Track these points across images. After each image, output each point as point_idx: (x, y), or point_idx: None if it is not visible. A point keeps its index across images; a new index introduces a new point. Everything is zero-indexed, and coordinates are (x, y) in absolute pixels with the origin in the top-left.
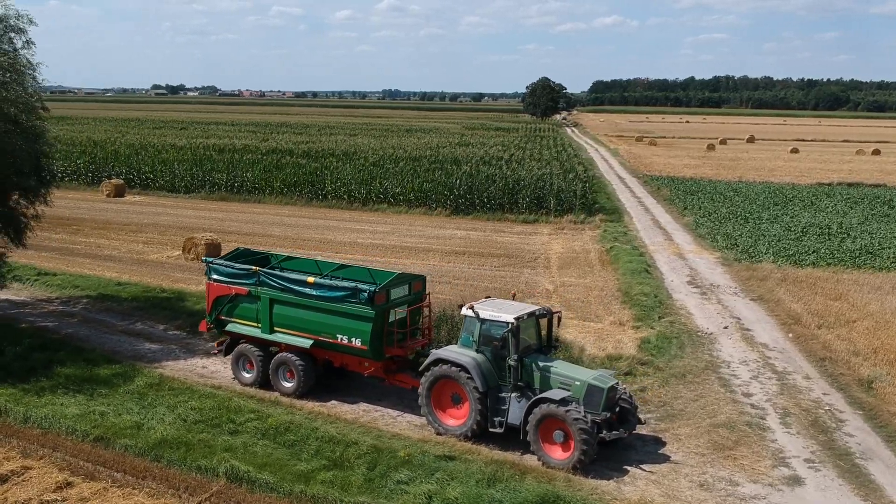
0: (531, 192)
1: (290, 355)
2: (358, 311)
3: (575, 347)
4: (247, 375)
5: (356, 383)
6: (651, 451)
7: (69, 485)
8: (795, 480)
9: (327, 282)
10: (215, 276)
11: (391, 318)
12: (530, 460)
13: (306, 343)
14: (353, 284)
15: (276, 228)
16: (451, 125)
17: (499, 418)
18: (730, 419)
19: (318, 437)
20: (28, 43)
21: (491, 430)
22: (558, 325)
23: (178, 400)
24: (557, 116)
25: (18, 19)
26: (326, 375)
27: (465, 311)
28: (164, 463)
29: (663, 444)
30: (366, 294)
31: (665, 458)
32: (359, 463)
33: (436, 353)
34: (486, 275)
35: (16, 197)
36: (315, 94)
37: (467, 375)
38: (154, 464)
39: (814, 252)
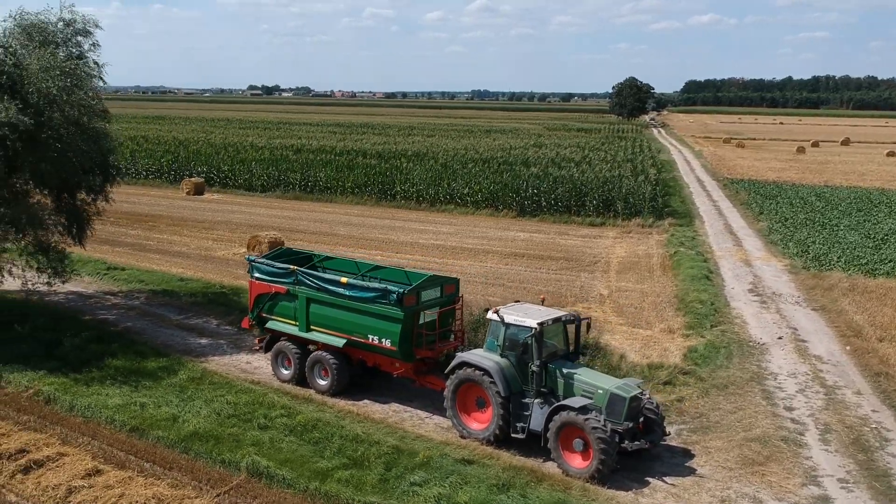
0: (598, 195)
1: (324, 354)
2: (388, 312)
3: (615, 354)
4: (285, 372)
5: (390, 383)
6: (677, 463)
7: (98, 472)
8: (824, 500)
9: (359, 282)
10: (257, 275)
11: (422, 320)
12: (550, 468)
13: (340, 342)
14: (383, 286)
15: (342, 228)
16: (533, 126)
17: (521, 424)
18: (765, 433)
19: (342, 435)
20: (94, 45)
21: (513, 435)
22: (587, 332)
23: (216, 394)
24: (645, 117)
25: (85, 23)
26: (361, 375)
27: (490, 314)
28: (191, 455)
29: (691, 456)
30: (395, 295)
31: (690, 471)
32: (377, 463)
33: (460, 356)
34: (542, 278)
35: (82, 196)
36: (405, 95)
37: (490, 380)
38: (182, 455)
39: (891, 261)
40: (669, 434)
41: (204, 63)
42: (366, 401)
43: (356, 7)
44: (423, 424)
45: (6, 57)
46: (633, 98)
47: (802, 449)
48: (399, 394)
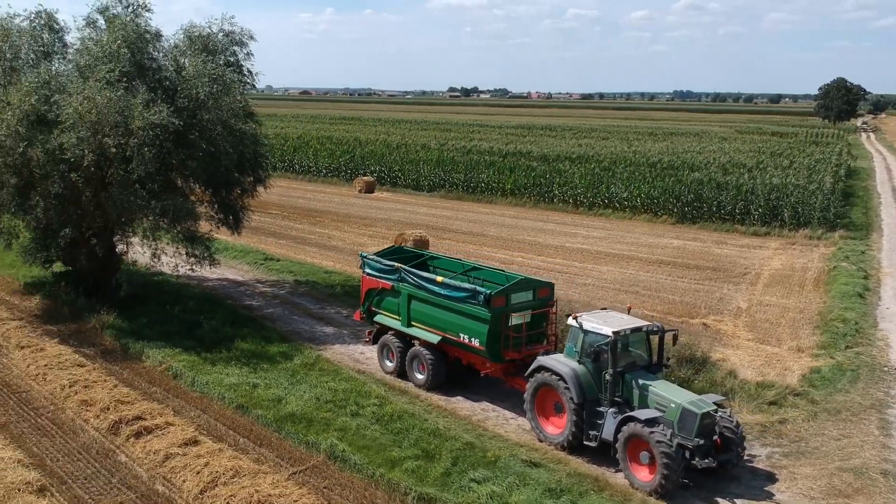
0: (764, 203)
1: (422, 349)
2: (476, 312)
3: (724, 370)
4: (389, 364)
5: (485, 383)
6: (757, 486)
7: (195, 442)
8: None
9: (452, 282)
10: (368, 271)
11: (512, 322)
12: (617, 478)
13: (435, 339)
14: (472, 286)
15: (493, 229)
16: (723, 129)
17: (594, 432)
18: (864, 464)
19: (423, 428)
20: (248, 55)
21: (585, 442)
22: (673, 344)
23: (322, 380)
24: (855, 121)
25: (241, 34)
26: (459, 372)
27: (570, 321)
28: (282, 434)
29: (775, 481)
30: (482, 296)
31: (767, 496)
32: (446, 457)
33: (540, 360)
34: (680, 287)
35: (237, 192)
36: (602, 96)
37: (565, 385)
38: (274, 434)
39: None
40: (744, 456)
41: (409, 66)
42: (459, 397)
43: (559, 8)
44: (506, 425)
45: (171, 66)
46: (841, 100)
47: None
48: (491, 393)
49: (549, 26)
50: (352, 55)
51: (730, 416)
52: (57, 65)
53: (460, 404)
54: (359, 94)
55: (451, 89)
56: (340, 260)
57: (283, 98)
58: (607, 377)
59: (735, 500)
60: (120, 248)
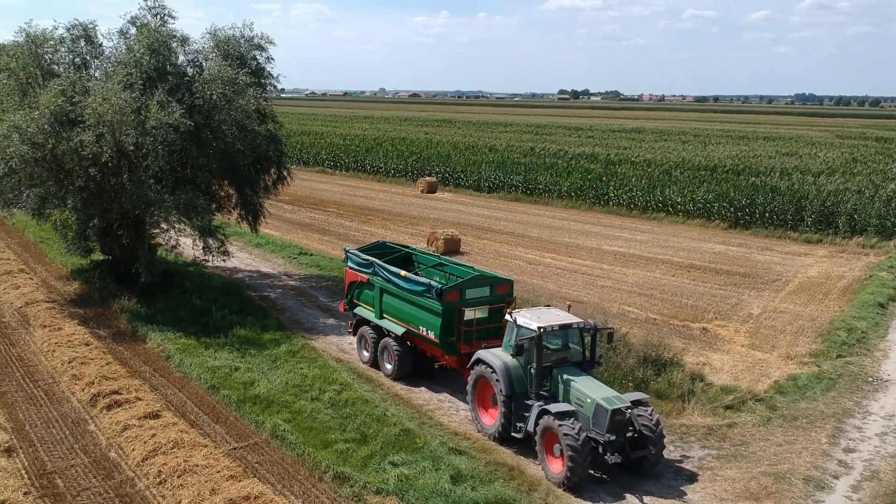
0: (819, 209)
1: (390, 340)
2: (431, 305)
3: (689, 373)
4: (365, 354)
5: (451, 375)
6: (674, 485)
7: (156, 416)
8: None
9: (413, 276)
10: (350, 264)
11: (469, 317)
12: (536, 470)
13: (400, 330)
14: (427, 281)
15: (536, 230)
16: (822, 134)
17: (521, 424)
18: (791, 470)
19: (371, 413)
20: (268, 59)
21: (513, 434)
22: (609, 342)
23: (297, 367)
24: None
25: (261, 39)
26: (427, 364)
27: (507, 316)
28: (240, 413)
29: (694, 481)
30: (435, 291)
31: (678, 495)
32: (378, 441)
33: (478, 353)
34: (698, 291)
35: (257, 189)
36: (716, 99)
37: (496, 378)
38: (233, 413)
39: None
40: (661, 454)
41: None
42: (422, 388)
43: (676, 9)
44: (455, 415)
45: (190, 69)
46: None
47: (821, 492)
48: (454, 385)
49: (664, 27)
50: (464, 58)
51: (650, 415)
52: (92, 71)
53: (420, 394)
54: (467, 97)
55: (562, 92)
56: None
57: (392, 101)
58: (531, 370)
59: (644, 497)
60: (154, 239)
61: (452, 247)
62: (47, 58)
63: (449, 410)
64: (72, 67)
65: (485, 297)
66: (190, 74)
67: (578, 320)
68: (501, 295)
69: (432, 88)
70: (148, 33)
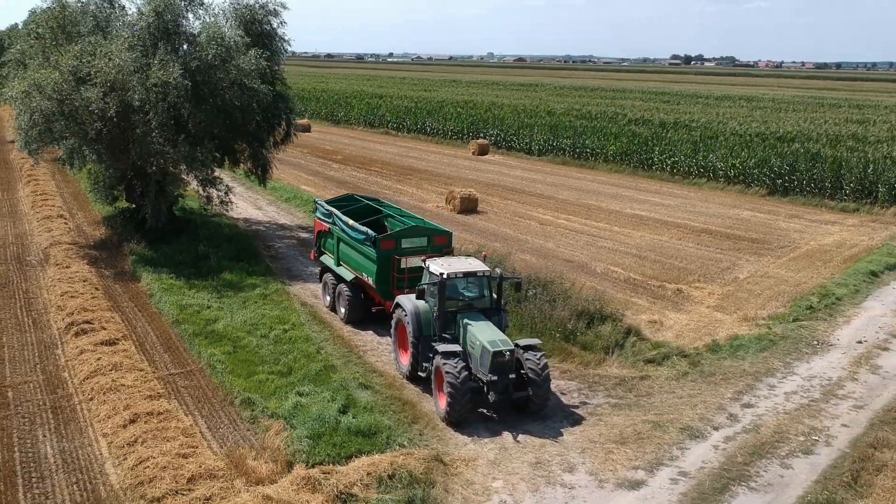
0: (857, 177)
1: (343, 286)
2: (369, 253)
3: (627, 326)
4: (327, 299)
5: None
6: (556, 426)
7: (113, 343)
8: (635, 485)
9: (358, 226)
10: (318, 214)
11: (405, 265)
12: (433, 406)
13: (350, 276)
14: (366, 230)
15: (565, 192)
16: None
17: (426, 364)
18: (674, 419)
19: (303, 350)
20: (281, 23)
21: (419, 373)
22: (516, 291)
23: (261, 308)
24: None
25: (275, 5)
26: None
27: (422, 262)
28: (189, 345)
29: (578, 424)
30: (371, 239)
31: (554, 435)
32: (297, 374)
33: (398, 297)
34: (694, 254)
35: (270, 143)
36: (839, 66)
37: (408, 321)
38: (184, 345)
39: None
40: (545, 396)
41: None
42: (370, 332)
43: None
44: (384, 357)
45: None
46: None
47: (691, 440)
48: None
49: None
50: (574, 23)
51: (538, 359)
52: (113, 33)
53: (363, 337)
54: (573, 62)
55: (674, 57)
56: None
57: (495, 65)
58: (433, 314)
59: (521, 435)
60: (178, 190)
61: (469, 206)
62: (71, 21)
63: (381, 353)
64: (96, 30)
65: (422, 247)
66: (195, 36)
67: (483, 269)
68: (440, 245)
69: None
70: None
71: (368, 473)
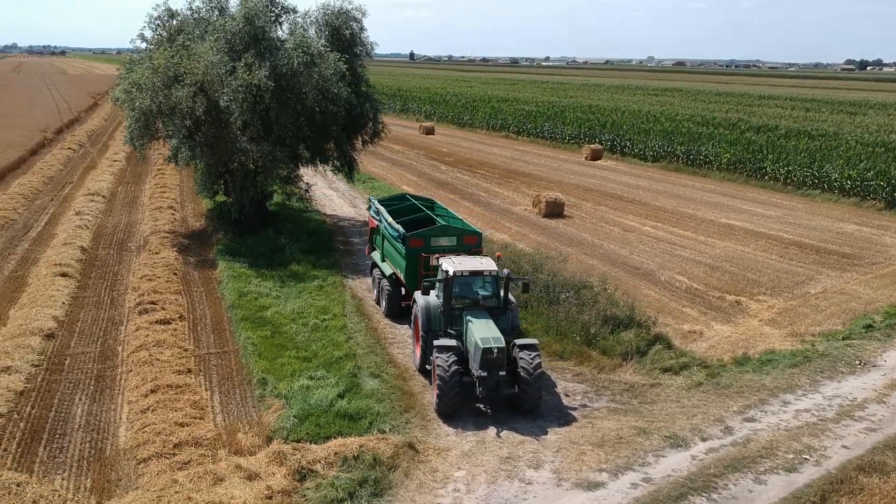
0: None
1: (385, 281)
2: (401, 250)
3: (655, 334)
4: (375, 293)
5: None
6: (543, 425)
7: (167, 322)
8: (593, 486)
9: (394, 223)
10: (371, 212)
11: (433, 263)
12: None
13: (388, 271)
14: (399, 228)
15: (665, 200)
16: None
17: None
18: (663, 427)
19: (333, 339)
20: (361, 28)
21: (427, 366)
22: (524, 292)
23: (314, 298)
24: None
25: (356, 12)
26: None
27: (436, 260)
28: (235, 328)
29: (567, 425)
30: (400, 237)
31: (537, 433)
32: (318, 360)
33: (416, 293)
34: (772, 267)
35: (357, 142)
36: None
37: (419, 316)
38: (230, 328)
39: None
40: (534, 394)
41: (802, 36)
42: (406, 326)
43: None
44: (409, 350)
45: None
46: None
47: (672, 448)
48: None
49: None
50: (740, 25)
51: (532, 359)
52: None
53: (397, 330)
54: (734, 66)
55: (848, 61)
56: (478, 214)
57: (653, 70)
58: (440, 309)
59: (505, 431)
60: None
61: (554, 209)
62: (176, 27)
63: (406, 346)
64: (195, 37)
65: (451, 246)
66: (283, 42)
67: (492, 268)
68: (469, 245)
69: (704, 57)
70: (246, 3)
71: (336, 453)
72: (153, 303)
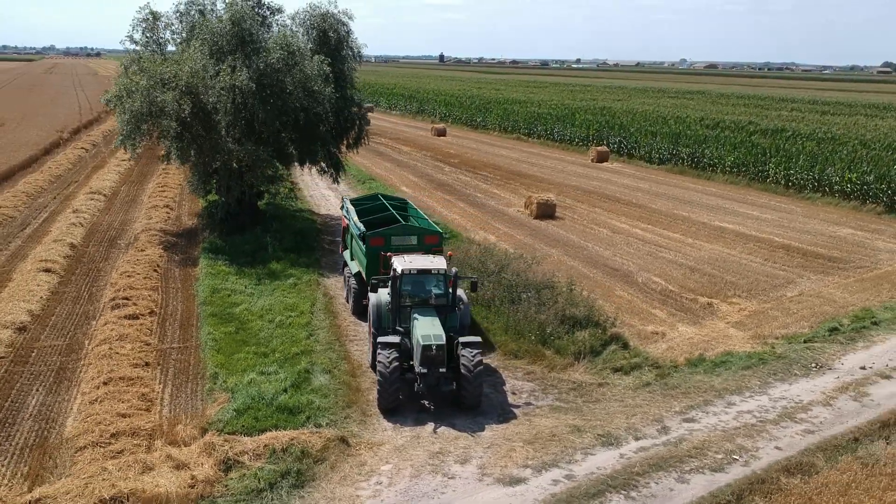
0: None
1: (352, 279)
2: (362, 248)
3: (612, 334)
4: (344, 292)
5: None
6: (482, 422)
7: (136, 317)
8: (514, 482)
9: (358, 222)
10: (343, 211)
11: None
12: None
13: (354, 269)
14: (361, 227)
15: (661, 202)
16: None
17: None
18: (599, 426)
19: (294, 336)
20: (348, 33)
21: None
22: (473, 291)
23: (285, 296)
24: None
25: (342, 15)
26: None
27: (387, 257)
28: (201, 324)
29: (505, 422)
30: (360, 235)
31: (474, 430)
32: (275, 356)
33: (369, 292)
34: (754, 270)
35: (344, 144)
36: None
37: (370, 313)
38: (198, 324)
39: None
40: (472, 391)
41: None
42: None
43: None
44: (367, 347)
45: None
46: None
47: (603, 446)
48: None
49: None
50: (776, 27)
51: (473, 356)
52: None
53: (361, 328)
54: (769, 69)
55: (886, 64)
56: (467, 215)
57: (684, 72)
58: (387, 307)
59: (442, 426)
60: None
61: (545, 211)
62: (160, 31)
63: (366, 344)
64: (182, 38)
65: (412, 246)
66: (265, 42)
67: (439, 267)
68: (430, 245)
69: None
70: (232, 6)
71: (265, 445)
72: (127, 298)
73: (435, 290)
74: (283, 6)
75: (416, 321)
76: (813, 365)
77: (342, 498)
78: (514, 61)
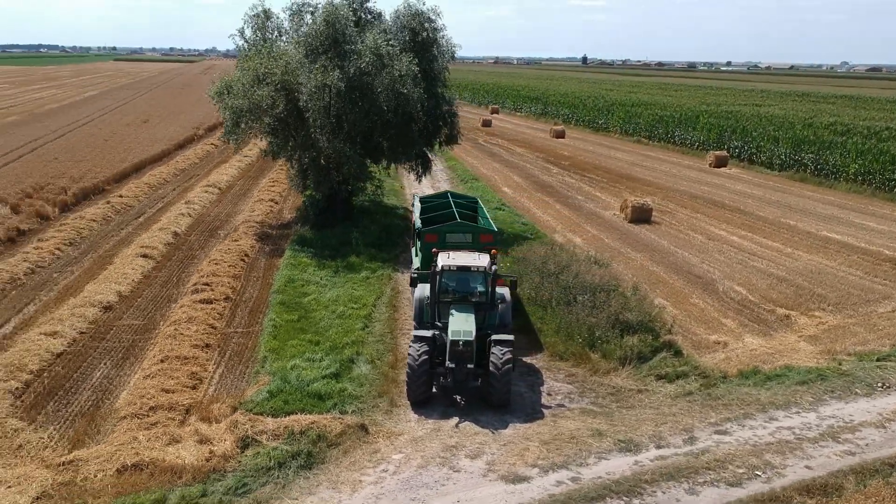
0: None
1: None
2: (419, 243)
3: (666, 341)
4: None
5: None
6: (508, 420)
7: (210, 302)
8: (517, 480)
9: (417, 220)
10: (412, 208)
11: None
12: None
13: (417, 263)
14: (419, 224)
15: (769, 210)
16: None
17: None
18: (622, 431)
19: (350, 327)
20: (435, 30)
21: None
22: (513, 290)
23: (356, 288)
24: None
25: (429, 13)
26: None
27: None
28: (269, 311)
29: (531, 421)
30: (416, 232)
31: (494, 427)
32: (325, 345)
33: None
34: (852, 283)
35: (435, 142)
36: None
37: (414, 307)
38: (266, 311)
39: None
40: (499, 388)
41: None
42: None
43: None
44: None
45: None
46: None
47: (619, 452)
48: None
49: None
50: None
51: (503, 354)
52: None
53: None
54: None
55: None
56: (560, 217)
57: (841, 76)
58: (426, 302)
59: (466, 421)
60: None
61: (641, 215)
62: (270, 30)
63: None
64: (290, 38)
65: (467, 243)
66: (356, 45)
67: (480, 264)
68: (485, 243)
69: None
70: (327, 10)
71: (286, 427)
72: (207, 284)
73: (475, 287)
74: (382, 11)
75: (451, 317)
76: (879, 384)
77: (345, 482)
78: (659, 63)
